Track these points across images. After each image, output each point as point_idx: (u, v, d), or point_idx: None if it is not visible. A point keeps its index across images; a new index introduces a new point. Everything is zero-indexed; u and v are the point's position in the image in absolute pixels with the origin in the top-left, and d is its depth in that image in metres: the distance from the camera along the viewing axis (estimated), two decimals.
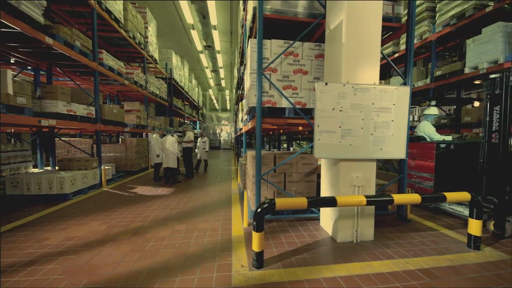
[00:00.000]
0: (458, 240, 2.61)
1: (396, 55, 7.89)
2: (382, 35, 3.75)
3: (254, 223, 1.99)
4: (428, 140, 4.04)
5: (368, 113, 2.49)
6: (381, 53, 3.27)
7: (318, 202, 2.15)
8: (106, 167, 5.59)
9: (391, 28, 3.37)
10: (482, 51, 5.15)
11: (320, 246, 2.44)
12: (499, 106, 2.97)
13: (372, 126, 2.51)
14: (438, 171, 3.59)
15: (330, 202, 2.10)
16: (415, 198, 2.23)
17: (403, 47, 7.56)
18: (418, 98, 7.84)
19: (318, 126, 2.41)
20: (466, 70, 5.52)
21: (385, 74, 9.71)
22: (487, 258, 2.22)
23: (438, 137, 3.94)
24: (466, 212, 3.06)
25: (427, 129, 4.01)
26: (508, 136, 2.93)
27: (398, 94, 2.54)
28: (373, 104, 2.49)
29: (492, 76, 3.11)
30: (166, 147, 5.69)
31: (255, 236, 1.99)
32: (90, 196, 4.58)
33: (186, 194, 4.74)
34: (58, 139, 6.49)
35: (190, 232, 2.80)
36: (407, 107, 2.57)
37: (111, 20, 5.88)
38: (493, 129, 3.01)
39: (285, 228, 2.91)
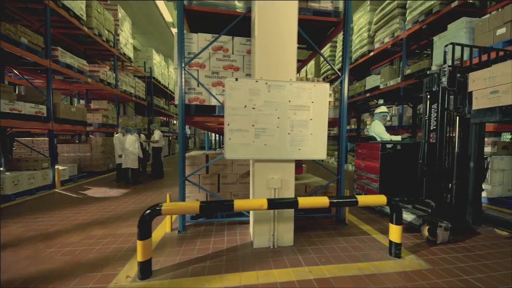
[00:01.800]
0: (385, 247, 2.47)
1: (372, 53, 7.75)
2: (326, 31, 3.60)
3: (138, 230, 1.84)
4: (378, 140, 3.90)
5: (284, 111, 2.34)
6: (320, 53, 3.13)
7: (211, 206, 1.99)
8: (61, 168, 5.43)
9: (331, 23, 3.22)
10: (449, 47, 5.00)
11: (232, 253, 2.29)
12: (436, 104, 2.84)
13: (289, 125, 2.36)
14: (382, 172, 3.45)
15: (226, 206, 1.95)
16: (323, 201, 2.07)
17: (377, 45, 7.42)
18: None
19: (228, 124, 2.26)
20: (433, 68, 5.38)
21: (365, 72, 9.57)
22: (403, 267, 2.07)
23: (387, 136, 3.80)
24: (406, 215, 2.91)
25: (377, 129, 3.87)
26: (445, 136, 2.79)
27: (317, 92, 2.39)
28: (289, 101, 2.34)
29: (430, 72, 2.97)
30: (126, 147, 5.52)
31: (139, 244, 1.84)
32: (36, 197, 4.42)
33: (137, 196, 4.59)
34: (19, 139, 6.33)
35: (103, 238, 2.64)
36: (327, 105, 2.42)
37: (70, 17, 5.72)
38: (431, 129, 2.87)
39: (209, 233, 2.76)
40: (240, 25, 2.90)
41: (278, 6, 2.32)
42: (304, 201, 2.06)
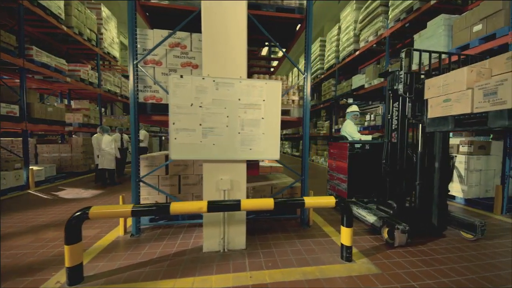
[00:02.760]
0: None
1: (357, 52, 7.66)
2: (294, 28, 3.52)
3: (64, 235, 1.75)
4: (350, 139, 3.82)
5: (233, 110, 2.25)
6: (282, 50, 3.03)
7: (145, 210, 1.90)
8: (35, 168, 5.34)
9: (297, 20, 3.13)
10: (427, 46, 4.93)
11: (178, 257, 2.20)
12: (397, 103, 2.75)
13: (239, 124, 2.27)
14: (351, 173, 3.36)
15: (161, 210, 1.86)
16: (267, 203, 1.99)
17: (362, 44, 7.33)
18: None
19: (173, 123, 2.17)
20: (414, 67, 5.28)
21: (354, 72, 9.48)
22: (350, 272, 1.98)
23: (358, 136, 3.72)
24: (369, 217, 2.83)
25: (347, 129, 3.78)
26: (406, 136, 2.71)
27: (268, 89, 2.30)
28: (239, 100, 2.25)
29: (391, 70, 2.89)
30: (102, 147, 5.44)
31: (66, 249, 1.75)
32: (6, 198, 4.33)
33: (109, 197, 4.50)
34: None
35: (52, 241, 2.55)
36: (279, 103, 2.34)
37: (47, 15, 5.64)
38: (393, 128, 2.78)
39: (164, 237, 2.67)
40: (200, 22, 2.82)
41: (225, 3, 2.23)
42: (248, 203, 1.97)
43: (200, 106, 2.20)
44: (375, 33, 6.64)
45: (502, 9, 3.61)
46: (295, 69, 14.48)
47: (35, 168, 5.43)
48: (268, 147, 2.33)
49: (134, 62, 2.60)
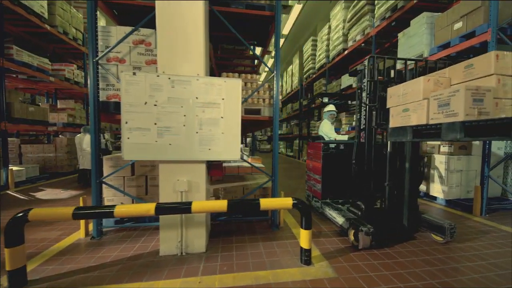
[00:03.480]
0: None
1: (346, 52, 7.59)
2: (267, 26, 3.45)
3: (4, 237, 1.68)
4: (327, 139, 3.74)
5: (191, 109, 2.18)
6: (249, 47, 2.97)
7: (88, 213, 1.83)
8: (15, 169, 5.28)
9: (268, 18, 3.05)
10: (411, 45, 4.87)
11: (132, 262, 2.13)
12: (364, 109, 2.68)
13: (197, 123, 2.20)
14: (325, 173, 3.29)
15: (105, 213, 1.79)
16: (220, 205, 1.92)
17: (350, 43, 7.26)
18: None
19: (126, 123, 2.10)
20: (398, 66, 5.18)
21: (345, 71, 9.41)
22: (305, 276, 1.91)
23: (334, 136, 3.64)
24: (338, 218, 2.75)
25: (324, 128, 3.71)
26: (373, 136, 2.64)
27: (228, 88, 2.23)
28: (197, 98, 2.18)
29: (360, 67, 2.82)
30: (83, 147, 5.37)
31: (6, 252, 1.68)
32: None
33: (88, 198, 4.42)
34: None
35: None
36: (239, 102, 2.27)
37: (29, 14, 5.57)
38: (361, 127, 2.71)
39: (125, 239, 2.59)
40: None
41: None
42: (200, 205, 1.90)
43: (155, 105, 2.13)
44: (362, 32, 6.56)
45: (481, 6, 3.54)
46: (290, 68, 14.41)
47: (15, 168, 5.36)
48: (228, 147, 2.26)
49: (94, 60, 2.53)
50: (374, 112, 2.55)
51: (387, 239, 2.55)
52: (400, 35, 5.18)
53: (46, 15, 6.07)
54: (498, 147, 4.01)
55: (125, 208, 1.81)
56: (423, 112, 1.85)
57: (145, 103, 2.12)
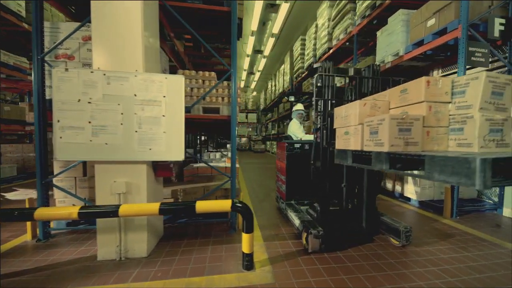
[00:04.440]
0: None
1: (331, 51, 7.48)
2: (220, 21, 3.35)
3: None
4: (295, 139, 3.65)
5: (129, 106, 2.09)
6: (204, 43, 2.87)
7: (9, 214, 1.74)
8: None
9: (223, 13, 2.96)
10: (388, 43, 4.77)
11: (67, 266, 2.03)
12: (321, 101, 2.58)
13: (136, 121, 2.10)
14: (289, 174, 3.19)
15: (22, 215, 1.70)
16: (150, 208, 1.82)
17: (335, 42, 7.16)
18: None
19: (58, 121, 2.01)
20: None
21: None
22: (240, 282, 1.82)
23: (302, 135, 3.55)
24: (296, 220, 2.66)
25: (292, 128, 3.62)
26: (329, 135, 2.54)
27: (169, 85, 2.14)
28: (135, 95, 2.09)
29: (316, 65, 2.72)
30: None
31: None
32: None
33: None
34: None
35: None
36: (182, 99, 2.17)
37: (5, 13, 5.49)
38: (318, 127, 2.61)
39: (71, 242, 2.50)
40: None
41: None
42: (128, 209, 1.81)
43: (89, 102, 2.03)
44: (345, 31, 6.47)
45: (452, 2, 3.44)
46: (282, 68, 14.30)
47: None
48: (170, 147, 2.17)
49: (39, 56, 2.44)
50: (324, 131, 2.44)
51: (343, 242, 2.45)
52: (378, 33, 5.08)
53: (23, 14, 5.99)
54: None
55: (47, 211, 1.72)
56: (358, 137, 1.75)
57: (79, 100, 2.02)
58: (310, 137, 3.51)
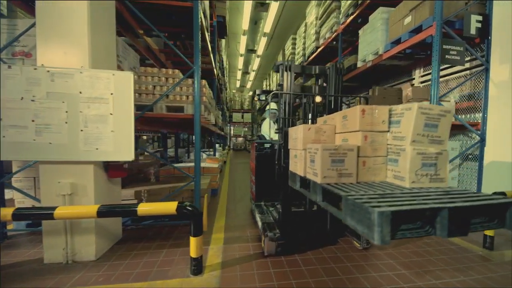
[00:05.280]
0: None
1: (318, 50, 7.40)
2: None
3: None
4: (268, 138, 3.57)
5: (74, 104, 2.01)
6: (165, 39, 2.79)
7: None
8: None
9: (185, 8, 2.88)
10: (369, 42, 4.69)
11: (10, 269, 1.96)
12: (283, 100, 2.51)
13: (81, 120, 2.03)
14: (258, 174, 3.11)
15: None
16: (87, 211, 1.74)
17: (322, 41, 7.08)
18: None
19: (1, 119, 1.93)
20: (359, 64, 5.06)
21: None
22: None
23: (272, 135, 3.46)
24: (260, 222, 2.58)
25: (264, 127, 3.54)
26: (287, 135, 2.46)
27: (117, 82, 2.06)
28: (80, 93, 2.01)
29: (278, 63, 2.65)
30: None
31: None
32: None
33: None
34: None
35: None
36: (131, 97, 2.10)
37: None
38: (280, 126, 2.54)
39: (28, 244, 2.43)
40: None
41: None
42: (63, 212, 1.73)
43: (33, 100, 1.96)
44: (331, 30, 6.39)
45: None
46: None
47: None
48: (119, 147, 2.09)
49: None
50: (282, 150, 2.34)
51: (305, 245, 2.38)
52: (360, 32, 5.01)
53: None
54: (452, 147, 3.83)
55: None
56: (302, 163, 1.67)
57: (21, 98, 1.95)
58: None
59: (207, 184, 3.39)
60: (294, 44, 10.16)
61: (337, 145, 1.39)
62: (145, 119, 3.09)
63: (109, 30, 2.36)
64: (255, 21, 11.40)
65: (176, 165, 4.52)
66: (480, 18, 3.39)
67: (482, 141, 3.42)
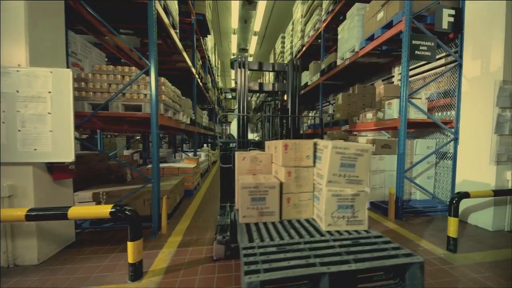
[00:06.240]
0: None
1: (304, 48, 7.31)
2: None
3: None
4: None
5: (11, 104, 1.94)
6: (113, 30, 2.71)
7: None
8: None
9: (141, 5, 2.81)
10: (346, 39, 4.61)
11: None
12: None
13: (19, 120, 1.95)
14: (223, 174, 3.02)
15: None
16: (15, 215, 1.67)
17: (306, 39, 6.99)
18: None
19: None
20: (338, 62, 4.97)
21: (305, 68, 9.11)
22: None
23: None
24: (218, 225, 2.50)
25: (232, 126, 3.47)
26: (246, 134, 2.39)
27: (56, 80, 1.99)
28: (17, 91, 1.94)
29: (232, 59, 2.57)
30: None
31: None
32: None
33: None
34: None
35: None
36: (71, 95, 2.02)
37: None
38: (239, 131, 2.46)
39: None
40: None
41: None
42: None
43: None
44: (314, 27, 6.30)
45: None
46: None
47: None
48: (58, 147, 2.01)
49: None
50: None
51: None
52: (339, 28, 4.92)
53: None
54: (428, 146, 3.74)
55: None
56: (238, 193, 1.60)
57: None
58: (249, 136, 3.35)
59: (173, 185, 3.31)
60: (283, 42, 10.06)
61: (258, 183, 1.31)
62: (109, 118, 3.02)
63: (56, 27, 2.28)
64: (245, 20, 11.30)
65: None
66: (452, 12, 3.29)
67: (456, 139, 3.34)
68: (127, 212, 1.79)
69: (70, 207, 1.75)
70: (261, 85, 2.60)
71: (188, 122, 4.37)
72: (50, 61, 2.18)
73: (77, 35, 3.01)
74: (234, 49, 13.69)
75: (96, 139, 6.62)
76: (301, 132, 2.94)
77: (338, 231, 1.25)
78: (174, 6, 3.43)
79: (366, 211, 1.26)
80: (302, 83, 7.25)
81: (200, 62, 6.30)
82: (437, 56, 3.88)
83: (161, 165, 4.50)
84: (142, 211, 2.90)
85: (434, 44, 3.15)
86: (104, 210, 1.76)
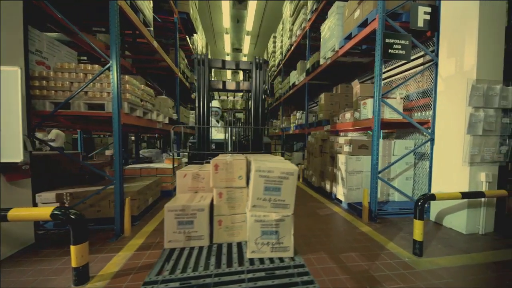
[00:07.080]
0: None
1: (292, 47, 7.24)
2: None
3: None
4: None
5: None
6: (78, 31, 2.64)
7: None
8: None
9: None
10: (327, 38, 4.54)
11: None
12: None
13: None
14: None
15: None
16: None
17: (294, 38, 6.92)
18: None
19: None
20: (321, 61, 4.91)
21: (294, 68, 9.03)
22: None
23: (216, 135, 3.33)
24: None
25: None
26: (206, 142, 2.32)
27: (3, 79, 1.93)
28: None
29: (192, 57, 2.51)
30: None
31: None
32: None
33: None
34: None
35: None
36: (19, 94, 1.97)
37: None
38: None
39: None
40: None
41: None
42: None
43: None
44: (300, 27, 6.24)
45: None
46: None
47: None
48: (5, 147, 1.96)
49: None
50: None
51: None
52: (321, 28, 4.86)
53: None
54: (406, 146, 3.68)
55: None
56: None
57: None
58: (221, 136, 3.29)
59: (142, 186, 3.25)
60: (275, 42, 10.02)
61: (185, 205, 1.25)
62: (75, 117, 2.97)
63: (13, 26, 2.23)
64: (237, 20, 11.25)
65: (138, 165, 4.40)
66: (429, 9, 3.22)
67: (432, 139, 3.27)
68: (70, 216, 1.72)
69: (10, 208, 1.70)
70: (224, 83, 2.53)
71: (167, 122, 4.31)
72: (5, 60, 2.12)
73: (43, 33, 2.95)
74: (228, 49, 13.63)
75: (85, 139, 6.60)
76: (265, 141, 2.83)
77: (260, 259, 1.18)
78: (146, 4, 3.38)
79: (291, 237, 1.18)
80: (291, 83, 7.20)
81: (185, 61, 6.24)
82: (417, 55, 3.83)
83: (138, 165, 4.45)
84: (108, 212, 2.84)
85: (409, 43, 3.09)
86: (45, 212, 1.70)
